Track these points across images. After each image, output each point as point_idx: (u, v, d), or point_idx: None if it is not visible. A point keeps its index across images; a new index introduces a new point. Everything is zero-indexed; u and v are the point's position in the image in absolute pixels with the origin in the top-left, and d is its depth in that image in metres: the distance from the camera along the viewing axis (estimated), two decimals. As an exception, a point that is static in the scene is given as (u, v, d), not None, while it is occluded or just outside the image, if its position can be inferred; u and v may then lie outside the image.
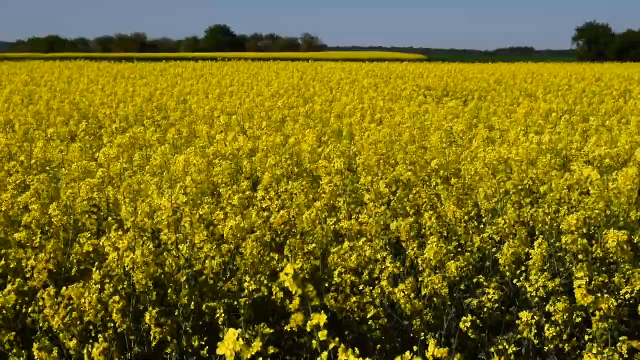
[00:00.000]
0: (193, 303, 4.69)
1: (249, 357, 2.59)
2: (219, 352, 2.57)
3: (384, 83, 27.19)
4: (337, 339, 2.84)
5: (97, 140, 11.17)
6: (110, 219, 6.08)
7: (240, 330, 2.65)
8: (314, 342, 2.90)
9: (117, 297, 4.28)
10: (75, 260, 5.14)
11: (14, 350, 4.14)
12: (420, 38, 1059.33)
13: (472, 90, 24.37)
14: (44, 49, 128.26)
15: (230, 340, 2.58)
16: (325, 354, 2.86)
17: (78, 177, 7.37)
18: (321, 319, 2.84)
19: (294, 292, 2.95)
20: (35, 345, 3.74)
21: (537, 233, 5.96)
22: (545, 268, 5.16)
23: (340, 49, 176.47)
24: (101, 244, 4.66)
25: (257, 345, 2.65)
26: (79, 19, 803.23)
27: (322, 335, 2.84)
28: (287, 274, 2.96)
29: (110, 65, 45.25)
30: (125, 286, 4.51)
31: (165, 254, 4.94)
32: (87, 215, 5.88)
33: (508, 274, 5.33)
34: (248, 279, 4.83)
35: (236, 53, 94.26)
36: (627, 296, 4.97)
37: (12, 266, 4.88)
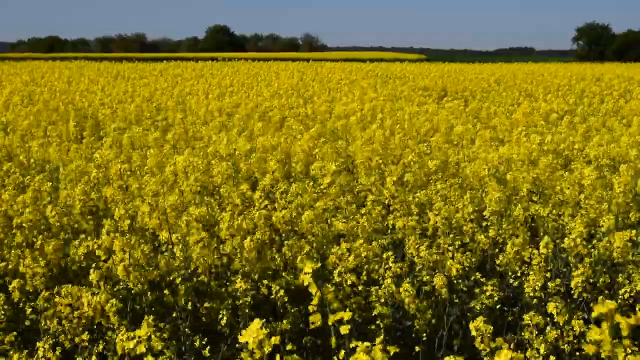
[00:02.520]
0: (190, 303, 4.67)
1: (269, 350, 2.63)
2: (242, 339, 2.65)
3: (383, 83, 27.15)
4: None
5: (97, 142, 11.16)
6: (106, 220, 6.04)
7: (263, 320, 2.71)
8: (332, 340, 2.92)
9: (113, 300, 4.25)
10: (75, 260, 5.11)
11: (12, 351, 4.11)
12: (420, 38, 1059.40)
13: (473, 90, 24.33)
14: (44, 49, 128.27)
15: (254, 329, 2.64)
16: (342, 352, 2.86)
17: (75, 177, 7.34)
18: (345, 315, 2.87)
19: (313, 293, 2.96)
20: (39, 344, 3.72)
21: (541, 233, 5.94)
22: (548, 268, 5.14)
23: (340, 49, 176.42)
24: (95, 247, 4.61)
25: (275, 339, 2.69)
26: (79, 19, 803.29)
27: (344, 329, 2.87)
28: (306, 273, 2.95)
29: (110, 65, 45.22)
30: (120, 287, 4.48)
31: (159, 255, 4.92)
32: (85, 216, 5.86)
33: (510, 274, 5.30)
34: (240, 280, 4.80)
35: (236, 53, 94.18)
36: (626, 295, 4.96)
37: (10, 267, 4.85)
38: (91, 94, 20.15)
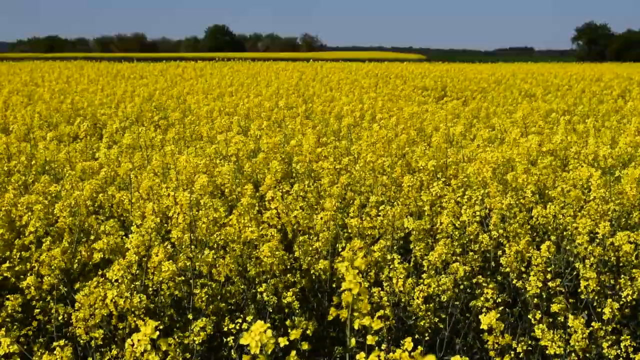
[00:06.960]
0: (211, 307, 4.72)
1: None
2: (242, 342, 2.46)
3: (383, 83, 27.16)
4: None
5: (97, 141, 11.16)
6: (111, 220, 6.04)
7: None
8: (352, 340, 2.81)
9: (143, 296, 4.23)
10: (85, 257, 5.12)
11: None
12: (420, 38, 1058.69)
13: (472, 90, 24.35)
14: (44, 49, 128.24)
15: (257, 331, 2.45)
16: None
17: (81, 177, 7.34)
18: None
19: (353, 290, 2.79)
20: (55, 344, 3.73)
21: (547, 234, 5.94)
22: (550, 269, 5.15)
23: (340, 49, 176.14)
24: (127, 246, 4.60)
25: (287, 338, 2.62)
26: (78, 19, 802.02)
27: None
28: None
29: (110, 65, 45.17)
30: (138, 285, 4.51)
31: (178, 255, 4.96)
32: (93, 216, 5.89)
33: (513, 275, 5.31)
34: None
35: (236, 53, 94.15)
36: (629, 298, 4.97)
37: (16, 269, 4.85)
38: (91, 94, 20.14)
